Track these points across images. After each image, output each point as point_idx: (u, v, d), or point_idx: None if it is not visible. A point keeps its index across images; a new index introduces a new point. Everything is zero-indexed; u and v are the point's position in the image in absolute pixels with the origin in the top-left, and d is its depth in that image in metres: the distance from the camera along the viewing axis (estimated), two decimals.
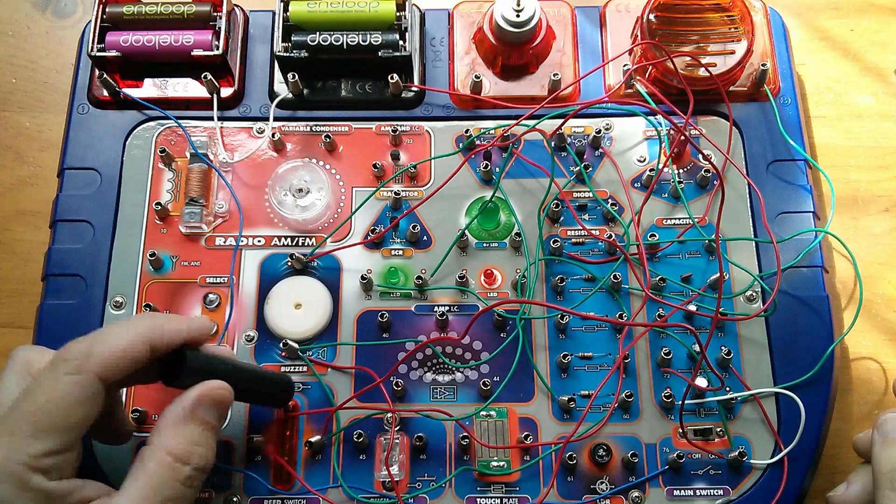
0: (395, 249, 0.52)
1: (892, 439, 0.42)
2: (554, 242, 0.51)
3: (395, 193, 0.52)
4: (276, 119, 0.54)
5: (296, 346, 0.49)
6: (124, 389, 0.48)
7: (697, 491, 0.47)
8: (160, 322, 0.39)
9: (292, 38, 0.52)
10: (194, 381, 0.40)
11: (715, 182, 0.53)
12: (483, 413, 0.48)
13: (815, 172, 0.55)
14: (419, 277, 0.50)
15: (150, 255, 0.50)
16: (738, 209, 0.52)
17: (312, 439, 0.47)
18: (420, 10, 0.57)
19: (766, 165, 0.53)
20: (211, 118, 0.54)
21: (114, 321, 0.49)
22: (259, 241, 0.52)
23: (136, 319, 0.40)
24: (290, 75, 0.53)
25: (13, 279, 0.54)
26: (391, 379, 0.48)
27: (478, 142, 0.54)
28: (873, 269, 0.54)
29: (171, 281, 0.51)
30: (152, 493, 0.36)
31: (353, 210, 0.52)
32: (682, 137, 0.52)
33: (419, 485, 0.47)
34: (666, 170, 0.53)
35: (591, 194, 0.53)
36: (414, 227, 0.51)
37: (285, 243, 0.52)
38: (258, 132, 0.54)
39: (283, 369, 0.49)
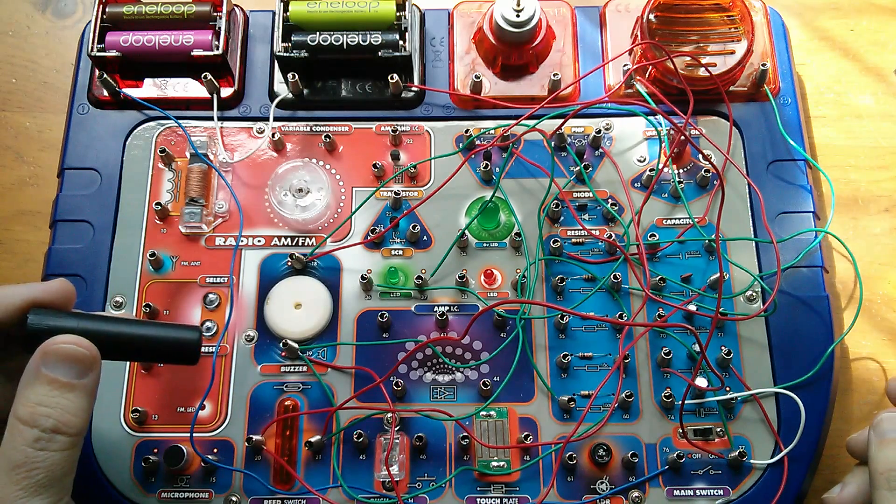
0: (395, 249, 0.52)
1: (889, 439, 0.42)
2: (554, 242, 0.51)
3: (395, 193, 0.52)
4: (276, 119, 0.54)
5: (296, 346, 0.49)
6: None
7: (697, 491, 0.47)
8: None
9: (292, 38, 0.52)
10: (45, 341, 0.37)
11: (715, 182, 0.53)
12: (483, 413, 0.48)
13: (815, 172, 0.55)
14: (419, 277, 0.50)
15: (150, 255, 0.50)
16: (738, 209, 0.52)
17: (312, 439, 0.47)
18: (420, 10, 0.57)
19: (766, 165, 0.53)
20: (211, 118, 0.54)
21: None
22: (259, 241, 0.52)
23: None
24: (290, 75, 0.53)
25: (13, 279, 0.54)
26: (391, 379, 0.48)
27: (478, 142, 0.54)
28: (873, 269, 0.54)
29: (171, 281, 0.51)
30: (3, 461, 0.35)
31: (353, 210, 0.52)
32: (682, 137, 0.52)
33: (419, 485, 0.47)
34: (666, 170, 0.53)
35: (591, 194, 0.53)
36: (414, 227, 0.51)
37: (285, 243, 0.52)
38: (258, 132, 0.54)
39: (282, 369, 0.49)
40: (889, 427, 0.43)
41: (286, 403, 0.49)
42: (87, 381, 0.37)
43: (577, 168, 0.53)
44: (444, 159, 0.53)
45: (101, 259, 0.51)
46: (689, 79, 0.52)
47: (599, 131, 0.54)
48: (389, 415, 0.47)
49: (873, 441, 0.43)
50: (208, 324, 0.50)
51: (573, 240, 0.52)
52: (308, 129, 0.55)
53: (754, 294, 0.50)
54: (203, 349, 0.49)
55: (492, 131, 0.54)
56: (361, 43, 0.52)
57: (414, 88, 0.54)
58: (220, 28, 0.53)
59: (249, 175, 0.53)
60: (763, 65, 0.53)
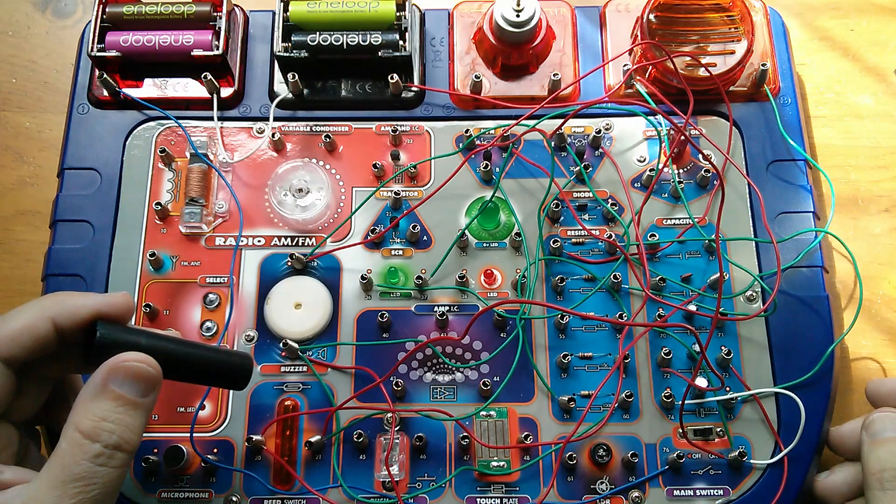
0: (395, 249, 0.52)
1: (881, 440, 0.43)
2: (554, 242, 0.51)
3: (395, 193, 0.52)
4: (276, 119, 0.54)
5: (296, 346, 0.49)
6: None
7: (697, 491, 0.47)
8: (64, 298, 0.38)
9: (292, 38, 0.52)
10: (112, 356, 0.37)
11: (715, 182, 0.53)
12: (483, 413, 0.48)
13: (815, 172, 0.55)
14: (419, 277, 0.50)
15: (150, 255, 0.50)
16: (738, 209, 0.52)
17: (312, 439, 0.47)
18: (420, 10, 0.57)
19: (766, 165, 0.53)
20: (211, 118, 0.54)
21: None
22: (259, 241, 0.52)
23: (40, 298, 0.39)
24: (290, 75, 0.53)
25: (13, 279, 0.54)
26: (391, 379, 0.48)
27: (478, 142, 0.54)
28: (873, 269, 0.54)
29: (171, 281, 0.51)
30: (62, 472, 0.35)
31: (353, 210, 0.52)
32: (682, 137, 0.52)
33: (419, 485, 0.47)
34: (666, 170, 0.53)
35: (591, 194, 0.53)
36: (414, 227, 0.51)
37: (285, 243, 0.52)
38: (258, 132, 0.54)
39: (282, 369, 0.49)
40: (880, 427, 0.43)
41: (286, 403, 0.49)
42: (148, 400, 0.38)
43: (577, 168, 0.53)
44: (444, 159, 0.53)
45: (101, 259, 0.51)
46: (689, 79, 0.52)
47: (599, 131, 0.54)
48: (389, 415, 0.47)
49: (866, 441, 0.43)
50: (208, 324, 0.50)
51: (573, 240, 0.52)
52: (308, 129, 0.55)
53: (754, 294, 0.50)
54: None
55: (492, 131, 0.54)
56: (361, 43, 0.52)
57: (414, 88, 0.54)
58: (220, 28, 0.53)
59: (249, 175, 0.53)
60: (763, 65, 0.53)
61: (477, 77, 0.53)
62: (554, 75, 0.53)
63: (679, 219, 0.52)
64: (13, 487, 0.35)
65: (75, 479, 0.35)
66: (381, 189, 0.53)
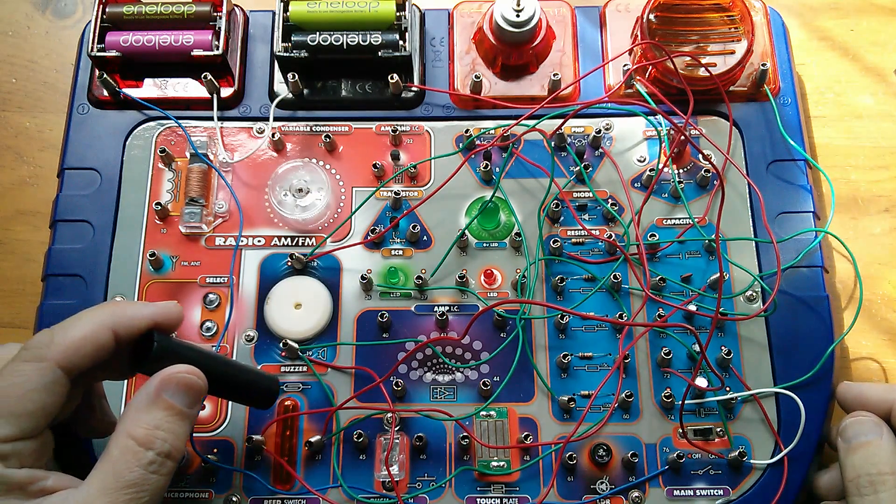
0: (395, 249, 0.52)
1: (855, 445, 0.43)
2: (554, 242, 0.51)
3: (395, 193, 0.52)
4: (276, 119, 0.54)
5: (296, 346, 0.49)
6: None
7: (697, 491, 0.47)
8: (124, 307, 0.39)
9: (292, 38, 0.52)
10: (164, 366, 0.39)
11: (715, 182, 0.53)
12: (483, 413, 0.48)
13: (815, 172, 0.55)
14: (419, 277, 0.50)
15: (150, 255, 0.50)
16: (738, 209, 0.52)
17: (312, 439, 0.47)
18: (420, 10, 0.57)
19: (766, 165, 0.53)
20: (211, 118, 0.54)
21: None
22: (259, 241, 0.52)
23: (99, 306, 0.39)
24: (290, 75, 0.53)
25: (13, 279, 0.54)
26: (391, 379, 0.48)
27: (478, 142, 0.54)
28: (873, 269, 0.54)
29: (171, 281, 0.51)
30: (114, 479, 0.35)
31: (353, 210, 0.52)
32: (682, 137, 0.52)
33: (419, 485, 0.47)
34: (666, 170, 0.53)
35: (591, 194, 0.53)
36: (414, 227, 0.51)
37: (285, 243, 0.52)
38: (258, 132, 0.54)
39: (282, 369, 0.49)
40: (852, 433, 0.43)
41: (286, 403, 0.49)
42: (195, 411, 0.39)
43: (577, 168, 0.53)
44: (444, 159, 0.53)
45: (101, 259, 0.51)
46: (689, 79, 0.52)
47: (599, 131, 0.54)
48: (389, 415, 0.47)
49: (842, 447, 0.43)
50: (208, 324, 0.50)
51: (573, 240, 0.52)
52: (308, 129, 0.55)
53: (754, 294, 0.50)
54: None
55: (492, 131, 0.54)
56: (361, 43, 0.52)
57: (414, 88, 0.54)
58: (220, 28, 0.53)
59: (249, 175, 0.53)
60: (763, 65, 0.53)
61: (477, 77, 0.53)
62: (554, 75, 0.53)
63: (679, 219, 0.52)
64: (60, 493, 0.36)
65: (128, 485, 0.35)
66: (381, 189, 0.53)
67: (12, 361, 0.37)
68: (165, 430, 0.37)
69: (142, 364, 0.39)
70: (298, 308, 0.50)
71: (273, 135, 0.53)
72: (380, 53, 0.52)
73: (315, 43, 0.52)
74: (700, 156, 0.53)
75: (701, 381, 0.48)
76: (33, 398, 0.36)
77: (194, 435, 0.47)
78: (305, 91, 0.54)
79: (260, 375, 0.45)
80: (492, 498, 0.47)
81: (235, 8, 0.56)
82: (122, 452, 0.36)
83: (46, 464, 0.38)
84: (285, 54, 0.52)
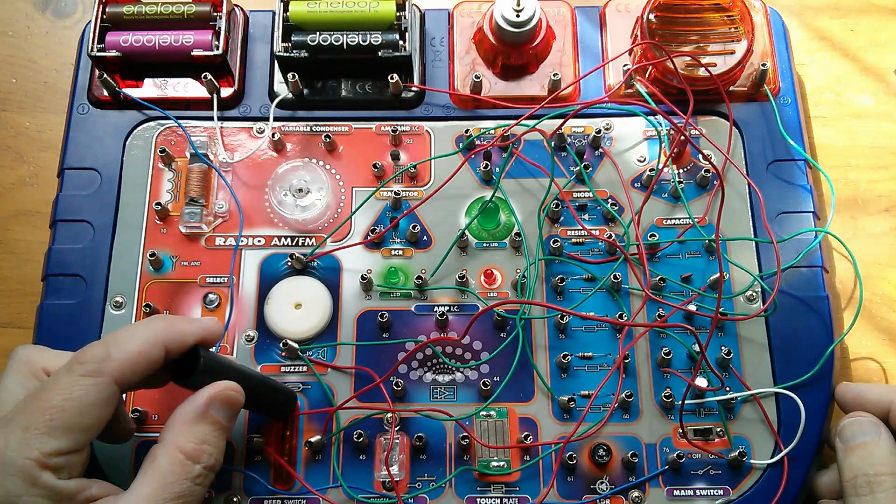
0: (395, 249, 0.52)
1: (852, 446, 0.43)
2: (554, 242, 0.51)
3: (395, 193, 0.52)
4: (276, 119, 0.54)
5: (296, 346, 0.49)
6: None
7: (697, 491, 0.47)
8: (174, 324, 0.40)
9: (292, 38, 0.52)
10: (205, 381, 0.40)
11: (715, 182, 0.53)
12: (483, 413, 0.48)
13: (815, 172, 0.55)
14: (419, 277, 0.50)
15: (150, 255, 0.50)
16: (738, 209, 0.52)
17: (312, 439, 0.47)
18: (420, 10, 0.57)
19: (766, 165, 0.53)
20: (211, 118, 0.54)
21: (129, 324, 0.49)
22: (259, 241, 0.52)
23: (150, 322, 0.40)
24: (290, 75, 0.53)
25: (13, 279, 0.54)
26: (391, 379, 0.48)
27: (478, 142, 0.54)
28: (873, 269, 0.54)
29: (171, 281, 0.51)
30: (162, 490, 0.37)
31: (353, 210, 0.52)
32: (682, 137, 0.52)
33: (419, 485, 0.47)
34: (666, 170, 0.53)
35: (591, 194, 0.53)
36: (414, 227, 0.51)
37: (285, 243, 0.52)
38: (258, 132, 0.54)
39: (282, 369, 0.49)
40: (850, 434, 0.43)
41: None
42: (232, 425, 0.41)
43: (577, 168, 0.53)
44: (444, 159, 0.53)
45: (101, 259, 0.51)
46: (689, 79, 0.52)
47: (599, 131, 0.54)
48: (389, 415, 0.47)
49: (839, 448, 0.44)
50: None
51: (573, 240, 0.52)
52: (308, 129, 0.55)
53: (754, 294, 0.50)
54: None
55: (492, 131, 0.54)
56: (361, 43, 0.52)
57: (414, 88, 0.54)
58: (220, 28, 0.53)
59: (249, 175, 0.53)
60: (763, 65, 0.53)
61: (477, 77, 0.53)
62: (554, 75, 0.53)
63: (679, 219, 0.52)
64: (104, 499, 0.37)
65: (175, 497, 0.37)
66: (381, 189, 0.53)
67: (68, 374, 0.37)
68: (211, 444, 0.39)
69: (186, 378, 0.40)
70: (298, 308, 0.50)
71: (273, 135, 0.53)
72: (380, 53, 0.52)
73: (315, 43, 0.52)
74: (700, 156, 0.53)
75: (701, 381, 0.48)
76: (90, 413, 0.37)
77: None
78: (305, 91, 0.54)
79: (282, 390, 0.47)
80: (492, 498, 0.47)
81: (235, 8, 0.56)
82: (171, 464, 0.37)
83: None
84: (285, 54, 0.52)
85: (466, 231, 0.51)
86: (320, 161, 0.54)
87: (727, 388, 0.48)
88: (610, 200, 0.52)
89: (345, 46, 0.52)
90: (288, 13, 0.53)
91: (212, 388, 0.40)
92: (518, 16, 0.52)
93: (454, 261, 0.52)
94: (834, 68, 0.59)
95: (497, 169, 0.53)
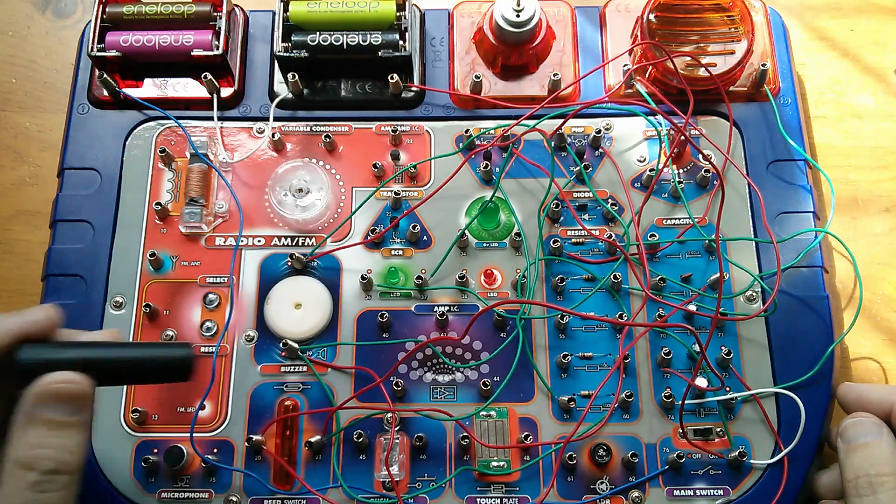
0: (395, 249, 0.52)
1: (855, 446, 0.43)
2: (554, 242, 0.51)
3: (395, 193, 0.52)
4: (276, 119, 0.54)
5: (296, 346, 0.49)
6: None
7: (697, 491, 0.47)
8: None
9: (292, 38, 0.52)
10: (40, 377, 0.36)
11: (715, 182, 0.53)
12: (483, 413, 0.48)
13: (815, 172, 0.55)
14: (419, 277, 0.50)
15: (150, 255, 0.50)
16: (738, 209, 0.52)
17: (312, 439, 0.47)
18: (420, 10, 0.57)
19: (766, 165, 0.53)
20: (211, 118, 0.54)
21: None
22: (259, 241, 0.52)
23: None
24: (290, 75, 0.53)
25: (13, 279, 0.54)
26: (391, 379, 0.48)
27: (478, 142, 0.54)
28: (873, 269, 0.54)
29: (171, 281, 0.51)
30: None
31: (353, 210, 0.52)
32: (682, 137, 0.52)
33: (419, 485, 0.47)
34: (666, 170, 0.53)
35: (591, 194, 0.53)
36: (414, 227, 0.51)
37: (285, 243, 0.52)
38: (258, 132, 0.54)
39: (282, 369, 0.49)
40: (853, 434, 0.43)
41: (286, 403, 0.49)
42: (82, 416, 0.37)
43: (577, 168, 0.53)
44: (444, 159, 0.53)
45: (101, 259, 0.51)
46: (689, 79, 0.52)
47: (599, 131, 0.54)
48: (389, 415, 0.47)
49: (841, 448, 0.43)
50: (208, 324, 0.50)
51: (573, 240, 0.52)
52: (308, 129, 0.55)
53: (754, 294, 0.50)
54: (203, 349, 0.49)
55: (492, 131, 0.54)
56: (361, 43, 0.52)
57: (414, 88, 0.54)
58: (220, 28, 0.53)
59: (249, 175, 0.53)
60: (763, 65, 0.53)
61: (477, 77, 0.53)
62: (554, 75, 0.53)
63: (679, 219, 0.52)
64: None
65: None
66: (381, 189, 0.53)
67: None
68: (48, 447, 0.35)
69: (17, 382, 0.36)
70: (298, 308, 0.50)
71: (273, 135, 0.53)
72: (380, 53, 0.52)
73: (315, 43, 0.52)
74: (700, 156, 0.53)
75: (701, 381, 0.48)
76: None
77: (194, 435, 0.47)
78: (305, 91, 0.54)
79: (165, 348, 0.42)
80: (492, 498, 0.47)
81: (235, 8, 0.56)
82: (6, 477, 0.35)
83: None
84: (285, 54, 0.52)
85: (466, 231, 0.51)
86: (320, 161, 0.54)
87: (727, 388, 0.48)
88: (610, 200, 0.52)
89: (345, 46, 0.52)
90: (288, 13, 0.53)
91: (33, 387, 0.36)
92: (518, 16, 0.52)
93: (454, 261, 0.52)
94: (834, 68, 0.59)
95: (497, 169, 0.53)
